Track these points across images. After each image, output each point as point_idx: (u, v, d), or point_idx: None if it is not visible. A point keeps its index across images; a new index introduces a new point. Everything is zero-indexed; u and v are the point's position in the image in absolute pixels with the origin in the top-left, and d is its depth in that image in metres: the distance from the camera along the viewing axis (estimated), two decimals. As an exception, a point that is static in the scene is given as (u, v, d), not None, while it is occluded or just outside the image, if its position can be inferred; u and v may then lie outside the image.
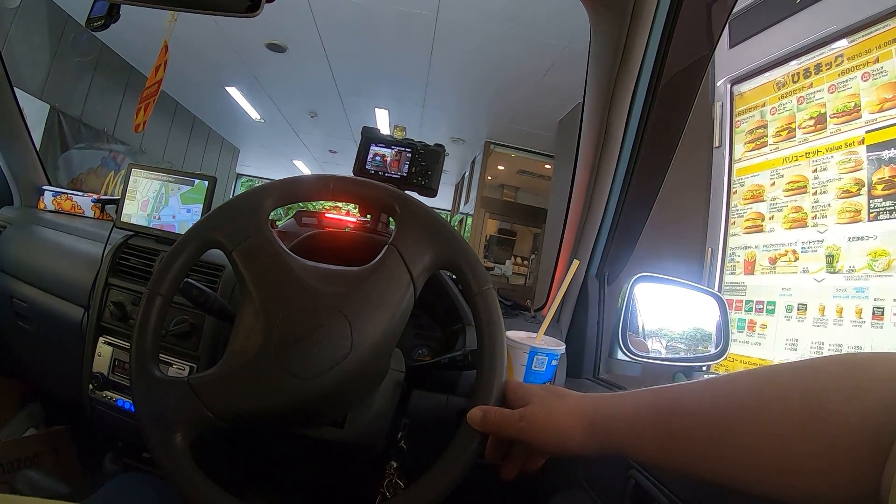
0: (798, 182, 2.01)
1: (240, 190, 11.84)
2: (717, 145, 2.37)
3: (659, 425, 0.52)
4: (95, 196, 1.67)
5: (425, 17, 4.24)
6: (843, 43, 1.86)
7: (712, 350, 1.12)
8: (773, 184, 2.12)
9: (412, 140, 1.09)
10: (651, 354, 1.13)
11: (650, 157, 1.05)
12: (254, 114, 7.99)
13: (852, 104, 1.81)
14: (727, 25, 1.04)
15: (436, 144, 1.10)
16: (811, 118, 1.98)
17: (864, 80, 1.77)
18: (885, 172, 1.67)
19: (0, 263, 1.45)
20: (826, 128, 1.91)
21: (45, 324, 1.32)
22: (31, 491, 1.01)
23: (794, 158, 2.04)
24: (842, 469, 0.39)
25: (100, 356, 1.12)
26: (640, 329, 1.14)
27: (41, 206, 1.67)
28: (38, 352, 1.43)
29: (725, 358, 1.11)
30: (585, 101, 1.11)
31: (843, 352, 1.72)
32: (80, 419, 1.24)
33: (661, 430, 0.52)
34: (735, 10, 1.01)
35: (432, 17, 4.20)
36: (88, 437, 1.38)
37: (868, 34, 1.76)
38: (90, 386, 1.12)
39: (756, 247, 2.16)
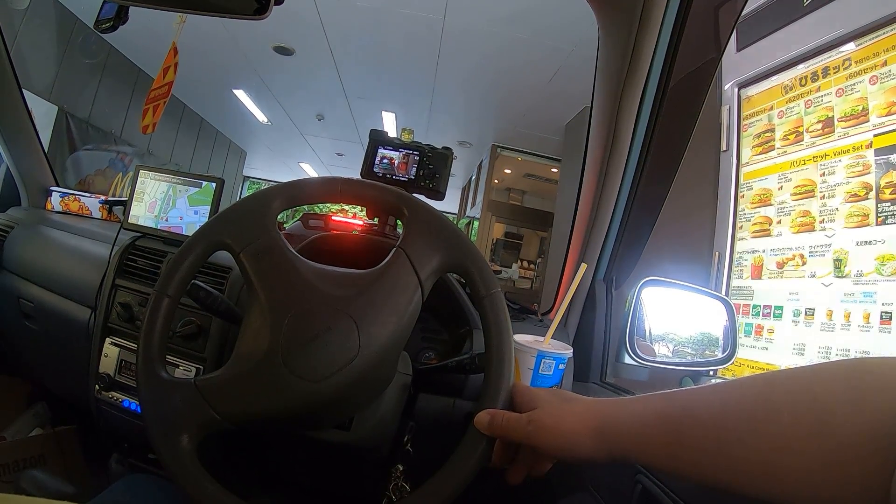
0: (806, 186, 2.00)
1: (247, 193, 11.84)
2: (724, 149, 2.36)
3: (668, 433, 0.52)
4: (103, 197, 1.68)
5: (432, 21, 4.24)
6: (850, 46, 1.85)
7: (720, 354, 1.12)
8: (780, 188, 2.11)
9: (420, 143, 1.09)
10: (658, 358, 1.12)
11: (658, 160, 1.05)
12: (261, 116, 8.00)
13: (860, 107, 1.80)
14: (735, 29, 1.03)
15: (443, 147, 1.09)
16: (819, 122, 1.97)
17: (872, 84, 1.76)
18: (893, 176, 1.66)
19: (7, 264, 1.45)
20: (834, 131, 1.90)
21: (52, 324, 1.32)
22: (37, 491, 1.01)
23: (802, 162, 2.03)
24: (852, 479, 0.39)
25: (106, 357, 1.12)
26: (648, 333, 1.13)
27: (49, 207, 1.68)
28: (44, 352, 1.44)
29: (733, 362, 1.10)
30: (594, 105, 1.11)
31: (851, 357, 1.71)
32: (87, 419, 1.24)
33: (670, 438, 0.52)
34: (742, 13, 1.01)
35: (439, 20, 4.21)
36: (94, 437, 1.39)
37: (876, 37, 1.75)
38: (96, 386, 1.12)
39: (763, 251, 2.15)
